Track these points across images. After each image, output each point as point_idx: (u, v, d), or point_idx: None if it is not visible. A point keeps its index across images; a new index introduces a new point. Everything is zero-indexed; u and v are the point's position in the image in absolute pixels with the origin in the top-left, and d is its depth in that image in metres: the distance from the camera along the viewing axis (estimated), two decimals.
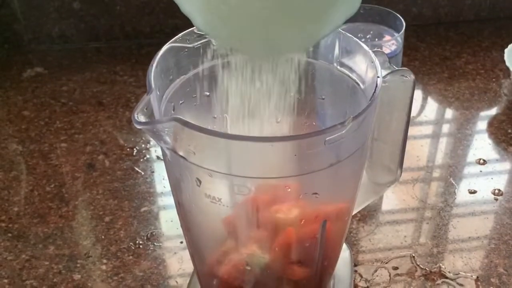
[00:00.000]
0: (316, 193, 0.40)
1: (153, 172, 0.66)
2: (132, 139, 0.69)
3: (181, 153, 0.37)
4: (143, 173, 0.65)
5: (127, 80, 0.78)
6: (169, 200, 0.63)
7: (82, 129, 0.71)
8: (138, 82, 0.78)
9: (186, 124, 0.35)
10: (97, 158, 0.67)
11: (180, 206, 0.43)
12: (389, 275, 0.56)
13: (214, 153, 0.37)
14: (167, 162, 0.40)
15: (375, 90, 0.38)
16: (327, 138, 0.36)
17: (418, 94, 0.78)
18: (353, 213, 0.50)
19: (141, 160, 0.67)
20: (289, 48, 0.38)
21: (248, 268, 0.43)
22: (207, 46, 0.43)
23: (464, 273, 0.56)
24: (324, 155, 0.37)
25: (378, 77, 0.39)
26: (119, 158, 0.67)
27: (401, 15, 0.71)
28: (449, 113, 0.76)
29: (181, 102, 0.43)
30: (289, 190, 0.39)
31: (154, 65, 0.39)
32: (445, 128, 0.73)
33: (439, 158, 0.69)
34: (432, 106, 0.77)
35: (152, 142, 0.69)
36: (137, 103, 0.74)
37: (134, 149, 0.68)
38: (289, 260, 0.43)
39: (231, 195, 0.39)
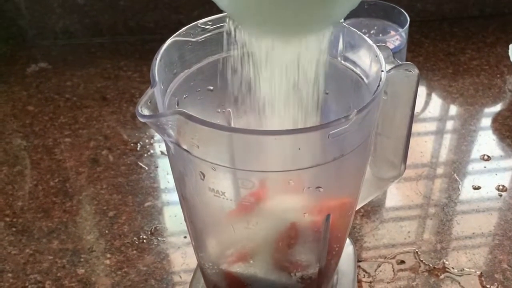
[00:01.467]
0: (319, 187, 0.40)
1: (157, 167, 0.66)
2: (136, 134, 0.69)
3: (184, 147, 0.37)
4: (147, 168, 0.65)
5: (131, 76, 0.79)
6: (173, 195, 0.63)
7: (86, 124, 0.71)
8: (142, 78, 0.78)
9: (189, 117, 0.35)
10: (101, 153, 0.67)
11: (184, 200, 0.43)
12: (393, 271, 0.56)
13: (217, 147, 0.37)
14: (170, 156, 0.40)
15: (379, 84, 0.38)
16: (330, 132, 0.36)
17: (422, 90, 0.78)
18: (357, 208, 0.50)
19: (145, 155, 0.67)
20: (313, 25, 0.38)
21: (252, 262, 0.43)
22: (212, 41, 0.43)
23: (468, 269, 0.56)
24: (327, 149, 0.37)
25: (382, 71, 0.39)
26: (123, 153, 0.67)
27: (405, 11, 0.71)
28: (453, 109, 0.76)
29: (185, 96, 0.43)
30: (293, 183, 0.39)
31: (158, 58, 0.39)
32: (449, 124, 0.73)
33: (443, 154, 0.69)
34: (436, 102, 0.77)
35: (156, 137, 0.69)
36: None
37: (138, 144, 0.68)
38: (293, 254, 0.43)
39: (235, 188, 0.39)
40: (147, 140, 0.69)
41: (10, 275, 0.54)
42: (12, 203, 0.61)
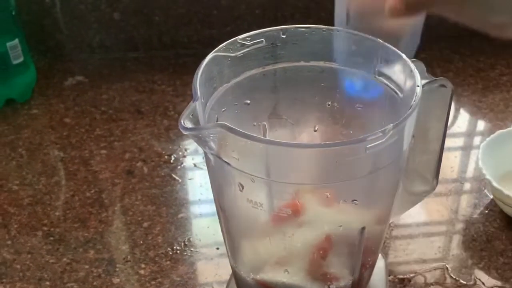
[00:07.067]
0: (355, 200, 0.40)
1: (190, 179, 0.67)
2: (170, 147, 0.71)
3: (225, 159, 0.38)
4: (180, 180, 0.67)
5: (165, 89, 0.80)
6: (206, 207, 0.64)
7: (121, 137, 0.72)
8: (176, 91, 0.79)
9: (231, 130, 0.36)
10: (136, 165, 0.68)
11: (221, 211, 0.44)
12: (423, 286, 0.56)
13: (257, 159, 0.38)
14: (210, 167, 0.41)
15: (414, 98, 0.39)
16: (367, 146, 0.36)
17: (452, 105, 0.78)
18: (389, 222, 0.51)
19: (179, 167, 0.68)
20: None
21: (287, 272, 0.44)
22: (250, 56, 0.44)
23: (499, 285, 0.55)
24: (364, 162, 0.38)
25: (418, 86, 0.40)
26: (157, 165, 0.68)
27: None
28: (483, 124, 0.76)
29: (223, 109, 0.44)
30: (330, 196, 0.40)
31: (199, 73, 0.40)
32: (479, 139, 0.73)
33: (473, 170, 0.69)
34: (466, 117, 0.77)
35: (189, 150, 0.70)
36: (175, 111, 0.76)
37: (172, 156, 0.70)
38: (327, 266, 0.44)
39: (273, 200, 0.40)
40: (180, 153, 0.70)
41: (48, 283, 0.56)
42: (49, 213, 0.63)
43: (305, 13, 0.86)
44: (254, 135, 0.36)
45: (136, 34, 0.85)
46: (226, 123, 0.36)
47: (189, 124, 0.36)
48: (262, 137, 0.38)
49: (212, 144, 0.37)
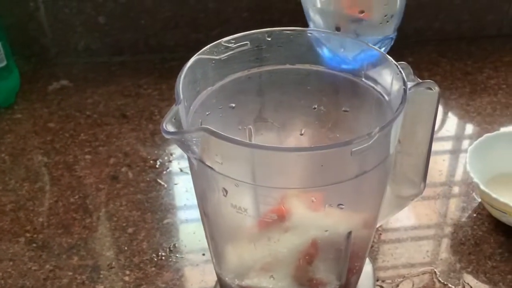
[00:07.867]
0: (341, 204, 0.40)
1: (175, 184, 0.66)
2: (155, 152, 0.70)
3: (208, 163, 0.38)
4: (166, 185, 0.66)
5: (151, 94, 0.79)
6: (192, 213, 0.63)
7: (106, 141, 0.72)
8: (162, 96, 0.79)
9: (214, 134, 0.35)
10: (121, 170, 0.68)
11: (205, 216, 0.43)
12: None
13: (240, 163, 0.37)
14: (193, 172, 0.41)
15: (401, 101, 0.39)
16: (353, 149, 0.36)
17: (439, 108, 0.78)
18: (376, 226, 0.50)
19: (164, 172, 0.68)
20: None
21: (273, 278, 0.43)
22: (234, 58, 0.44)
23: None
24: (350, 166, 0.38)
25: (405, 88, 0.40)
26: (143, 170, 0.68)
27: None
28: (471, 128, 0.76)
29: (207, 113, 0.44)
30: (315, 200, 0.39)
31: (182, 76, 0.40)
32: (467, 143, 0.73)
33: (462, 173, 0.68)
34: (453, 120, 0.77)
35: (175, 154, 0.70)
36: (161, 116, 0.75)
37: (157, 161, 0.69)
38: (313, 271, 0.43)
39: (257, 205, 0.39)
40: (166, 158, 0.69)
41: None
42: (32, 218, 0.62)
43: (293, 17, 0.85)
44: (237, 138, 0.35)
45: (121, 38, 0.84)
46: (209, 127, 0.35)
47: (171, 128, 0.36)
48: (246, 141, 0.38)
49: (195, 148, 0.37)
